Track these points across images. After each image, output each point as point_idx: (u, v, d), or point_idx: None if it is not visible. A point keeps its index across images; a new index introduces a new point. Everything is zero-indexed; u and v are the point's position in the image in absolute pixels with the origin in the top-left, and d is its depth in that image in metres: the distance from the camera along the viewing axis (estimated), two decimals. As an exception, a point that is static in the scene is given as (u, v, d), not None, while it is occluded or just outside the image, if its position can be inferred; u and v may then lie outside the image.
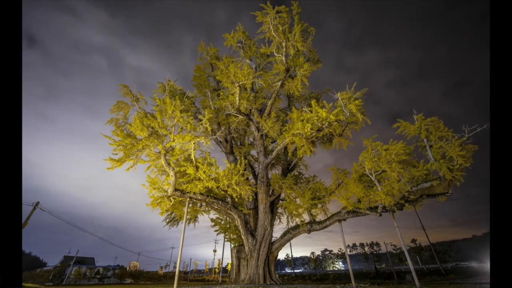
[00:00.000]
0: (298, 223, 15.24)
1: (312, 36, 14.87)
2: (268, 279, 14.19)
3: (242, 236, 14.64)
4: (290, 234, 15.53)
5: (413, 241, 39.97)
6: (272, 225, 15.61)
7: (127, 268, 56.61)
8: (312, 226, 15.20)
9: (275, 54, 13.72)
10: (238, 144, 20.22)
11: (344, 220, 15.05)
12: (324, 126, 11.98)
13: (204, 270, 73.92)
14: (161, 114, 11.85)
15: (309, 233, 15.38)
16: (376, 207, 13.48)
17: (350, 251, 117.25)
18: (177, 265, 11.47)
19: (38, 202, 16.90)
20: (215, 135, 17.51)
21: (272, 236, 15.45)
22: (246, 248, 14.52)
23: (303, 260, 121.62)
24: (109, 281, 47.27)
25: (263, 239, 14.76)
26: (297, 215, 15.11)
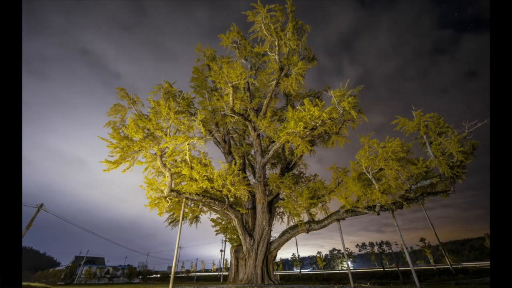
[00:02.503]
0: (296, 222, 15.14)
1: (308, 33, 14.76)
2: (266, 279, 14.16)
3: (240, 236, 14.66)
4: (288, 233, 15.45)
5: (422, 240, 38.98)
6: (270, 225, 15.56)
7: (136, 268, 57.63)
8: (311, 225, 15.07)
9: (269, 53, 13.67)
10: (238, 144, 20.25)
11: (343, 219, 14.85)
12: (317, 125, 11.84)
13: (211, 269, 74.49)
14: (156, 116, 12.02)
15: (307, 232, 15.25)
16: (374, 206, 13.24)
17: (359, 251, 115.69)
18: (173, 265, 11.60)
19: (42, 204, 17.42)
20: (212, 135, 17.62)
21: (270, 236, 15.40)
22: (244, 248, 14.53)
23: (311, 260, 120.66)
24: (118, 280, 48.29)
25: (261, 239, 14.73)
26: (295, 214, 15.01)
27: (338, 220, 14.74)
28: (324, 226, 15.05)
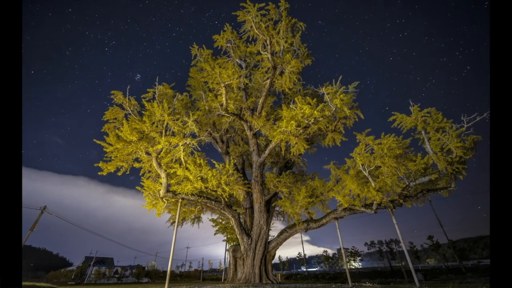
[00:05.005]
0: (294, 221, 15.08)
1: (302, 31, 14.63)
2: (264, 278, 14.15)
3: (237, 236, 14.69)
4: (286, 233, 15.40)
5: (430, 238, 38.16)
6: (268, 224, 15.53)
7: (145, 268, 58.50)
8: (309, 224, 14.98)
9: (261, 52, 13.60)
10: (236, 144, 20.25)
11: (341, 217, 14.68)
12: (310, 123, 11.73)
13: (218, 269, 75.06)
14: (150, 118, 12.16)
15: (306, 231, 15.17)
16: (371, 204, 13.03)
17: (368, 249, 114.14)
18: (169, 264, 11.72)
19: (45, 206, 17.94)
20: (210, 135, 17.70)
21: (268, 235, 15.37)
22: (242, 247, 14.55)
23: (319, 259, 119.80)
24: (127, 280, 49.16)
25: (259, 239, 14.72)
26: (293, 213, 14.92)
27: (336, 218, 14.59)
28: (322, 225, 14.94)
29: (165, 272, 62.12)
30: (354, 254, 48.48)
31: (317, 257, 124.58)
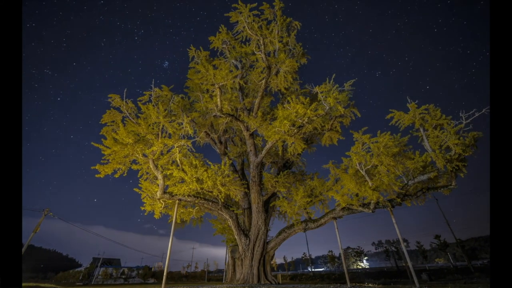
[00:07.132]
0: (293, 221, 15.01)
1: (297, 30, 14.56)
2: (263, 278, 14.11)
3: (235, 236, 14.70)
4: (285, 233, 15.32)
5: (437, 237, 37.44)
6: (266, 224, 15.49)
7: (151, 269, 59.06)
8: (308, 224, 14.88)
9: (255, 52, 13.59)
10: (238, 145, 20.26)
11: (340, 217, 14.52)
12: (304, 122, 11.64)
13: (224, 269, 75.29)
14: (146, 120, 12.29)
15: (304, 231, 15.07)
16: (369, 203, 12.85)
17: (375, 249, 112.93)
18: (166, 265, 11.81)
19: (48, 209, 18.37)
20: (208, 136, 17.77)
21: (267, 236, 15.33)
22: (240, 248, 14.55)
23: (325, 259, 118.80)
24: (133, 281, 49.72)
25: (257, 239, 14.69)
26: (291, 213, 14.85)
27: (334, 218, 14.44)
28: (321, 225, 14.82)
29: (171, 272, 62.62)
30: (359, 254, 47.83)
31: (323, 257, 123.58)
